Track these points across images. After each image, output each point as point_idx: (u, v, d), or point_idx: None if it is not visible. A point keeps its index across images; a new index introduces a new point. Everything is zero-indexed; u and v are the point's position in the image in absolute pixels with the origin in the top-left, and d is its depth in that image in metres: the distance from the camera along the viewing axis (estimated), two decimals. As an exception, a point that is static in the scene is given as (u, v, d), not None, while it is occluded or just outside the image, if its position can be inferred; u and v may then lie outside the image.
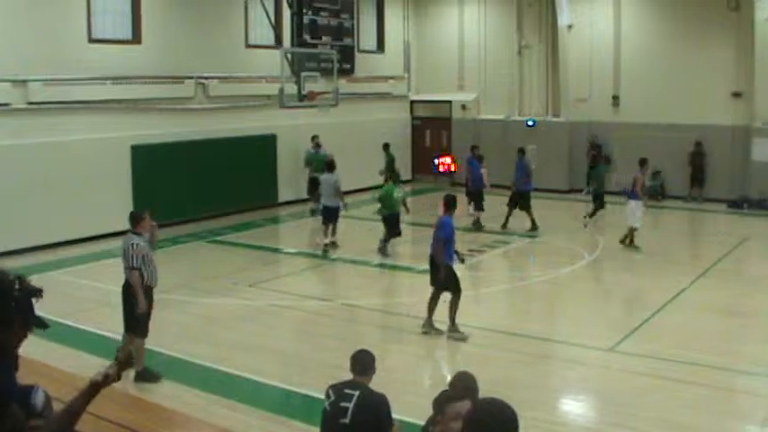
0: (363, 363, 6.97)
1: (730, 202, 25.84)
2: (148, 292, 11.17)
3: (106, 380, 4.33)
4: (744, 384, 11.26)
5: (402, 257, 19.38)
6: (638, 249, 19.18)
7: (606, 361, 12.11)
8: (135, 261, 10.95)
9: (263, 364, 11.87)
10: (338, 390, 6.74)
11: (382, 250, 19.23)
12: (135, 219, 11.40)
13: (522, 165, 22.46)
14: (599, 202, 22.09)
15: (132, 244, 11.06)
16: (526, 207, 21.90)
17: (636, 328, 13.41)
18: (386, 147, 26.36)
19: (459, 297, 13.06)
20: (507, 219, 22.06)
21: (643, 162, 19.80)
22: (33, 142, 19.29)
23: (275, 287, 16.52)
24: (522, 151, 22.98)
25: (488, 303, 15.54)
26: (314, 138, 25.51)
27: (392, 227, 19.32)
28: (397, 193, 19.79)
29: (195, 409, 9.46)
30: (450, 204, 13.55)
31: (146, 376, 11.02)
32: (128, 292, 11.14)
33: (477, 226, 22.27)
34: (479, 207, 22.60)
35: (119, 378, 4.43)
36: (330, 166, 19.93)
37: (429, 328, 13.21)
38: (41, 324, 4.32)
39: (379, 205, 19.91)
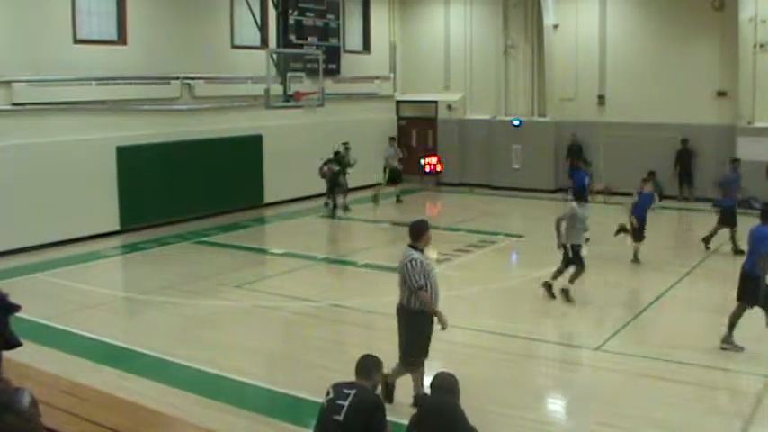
0: (364, 366, 7.06)
1: (715, 201, 25.89)
2: (424, 312, 9.82)
3: None
4: (730, 382, 11.31)
5: (387, 258, 19.36)
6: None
7: (593, 360, 12.13)
8: (418, 279, 9.55)
9: (249, 366, 11.86)
10: (338, 388, 6.85)
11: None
12: (417, 231, 9.85)
13: (736, 177, 20.14)
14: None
15: (412, 260, 9.61)
16: (732, 224, 19.42)
17: (622, 327, 13.44)
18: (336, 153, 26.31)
19: None
20: (711, 236, 19.60)
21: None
22: (18, 143, 19.20)
23: (262, 288, 16.49)
24: (736, 161, 20.49)
25: (475, 303, 15.53)
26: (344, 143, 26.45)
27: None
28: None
29: (181, 410, 9.42)
30: None
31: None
32: (405, 314, 9.90)
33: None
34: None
35: None
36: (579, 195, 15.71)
37: (730, 345, 12.27)
38: (13, 344, 4.24)
39: None
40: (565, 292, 15.04)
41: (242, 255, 20.00)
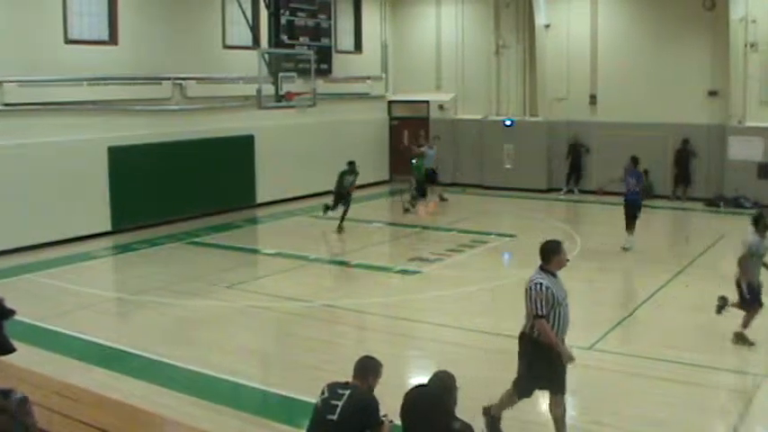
0: (360, 367, 7.10)
1: (707, 201, 26.03)
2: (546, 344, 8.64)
3: None
4: (721, 381, 11.32)
5: (379, 258, 19.38)
6: None
7: (585, 359, 12.09)
8: (540, 307, 8.48)
9: (242, 366, 11.83)
10: (332, 388, 6.89)
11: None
12: (547, 251, 8.79)
13: None
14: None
15: (536, 285, 8.55)
16: None
17: (614, 326, 13.46)
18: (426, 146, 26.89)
19: None
20: None
21: None
22: (9, 144, 19.14)
23: (254, 288, 16.46)
24: None
25: (466, 302, 15.53)
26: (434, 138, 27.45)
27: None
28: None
29: (174, 411, 9.40)
30: None
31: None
32: (527, 343, 8.80)
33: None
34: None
35: None
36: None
37: None
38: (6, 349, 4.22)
39: None
40: (738, 336, 12.52)
41: (234, 255, 19.98)
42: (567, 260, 8.92)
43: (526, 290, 8.65)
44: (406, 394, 7.03)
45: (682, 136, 26.80)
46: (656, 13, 27.38)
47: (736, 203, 25.32)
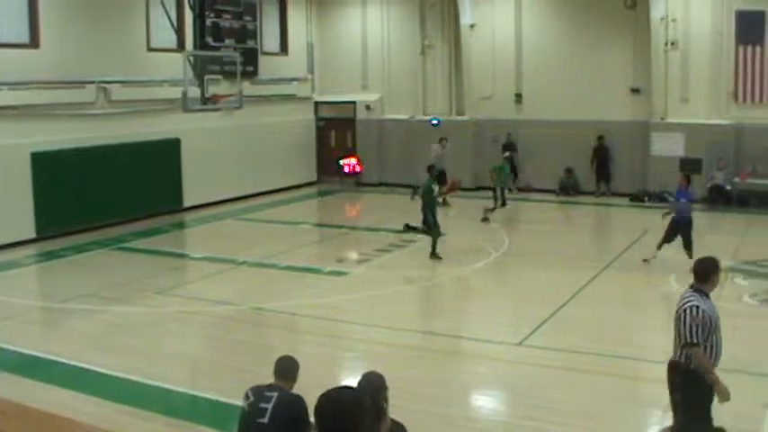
0: (285, 368, 7.00)
1: (632, 196, 26.46)
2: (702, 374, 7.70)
3: None
4: (648, 372, 11.48)
5: (308, 260, 19.33)
6: None
7: (515, 355, 12.25)
8: (694, 334, 7.56)
9: (171, 371, 11.72)
10: (257, 391, 6.78)
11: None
12: (707, 270, 7.83)
13: None
14: None
15: (692, 308, 7.60)
16: None
17: (544, 322, 13.59)
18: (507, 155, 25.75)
19: None
20: None
21: None
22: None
23: (183, 293, 16.31)
24: None
25: (396, 302, 15.57)
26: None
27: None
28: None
29: (102, 419, 9.28)
30: None
31: None
32: (683, 375, 7.81)
33: None
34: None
35: None
36: None
37: None
38: None
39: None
40: None
41: (162, 260, 19.76)
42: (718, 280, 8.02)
43: (678, 313, 7.76)
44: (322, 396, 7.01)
45: (605, 133, 27.22)
46: (579, 13, 27.75)
47: (660, 198, 25.79)
